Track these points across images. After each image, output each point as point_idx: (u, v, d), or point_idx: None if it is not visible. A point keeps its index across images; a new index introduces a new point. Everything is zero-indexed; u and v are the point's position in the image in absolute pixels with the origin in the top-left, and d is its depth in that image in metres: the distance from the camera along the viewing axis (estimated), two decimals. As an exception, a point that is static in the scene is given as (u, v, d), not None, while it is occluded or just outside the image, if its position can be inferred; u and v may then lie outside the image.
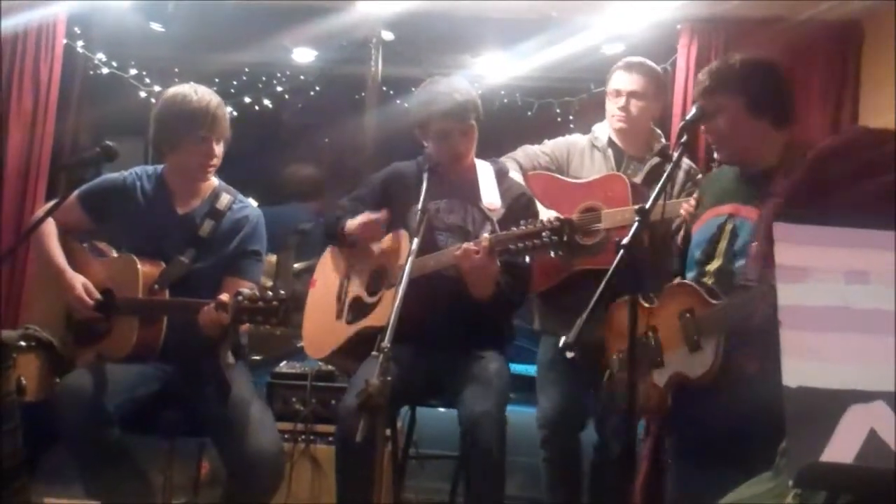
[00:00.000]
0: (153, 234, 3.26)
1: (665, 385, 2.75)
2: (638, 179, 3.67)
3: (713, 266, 2.82)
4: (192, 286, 3.15)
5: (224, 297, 2.97)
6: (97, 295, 3.21)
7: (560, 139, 3.96)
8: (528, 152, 3.85)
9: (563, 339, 3.55)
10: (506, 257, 3.10)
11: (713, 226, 2.86)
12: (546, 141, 3.93)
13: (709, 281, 2.79)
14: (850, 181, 1.32)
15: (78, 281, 3.22)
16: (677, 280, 2.90)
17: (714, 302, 2.68)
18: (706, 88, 2.83)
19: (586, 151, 3.84)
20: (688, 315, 2.70)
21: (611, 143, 3.81)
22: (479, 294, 3.13)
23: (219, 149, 3.25)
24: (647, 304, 2.81)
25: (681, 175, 3.75)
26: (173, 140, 3.25)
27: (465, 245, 3.07)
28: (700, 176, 3.73)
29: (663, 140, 3.86)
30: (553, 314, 3.73)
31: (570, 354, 3.62)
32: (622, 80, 3.76)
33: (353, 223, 3.36)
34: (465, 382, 3.14)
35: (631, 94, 3.74)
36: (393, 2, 4.58)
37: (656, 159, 3.71)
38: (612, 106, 3.79)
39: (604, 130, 3.86)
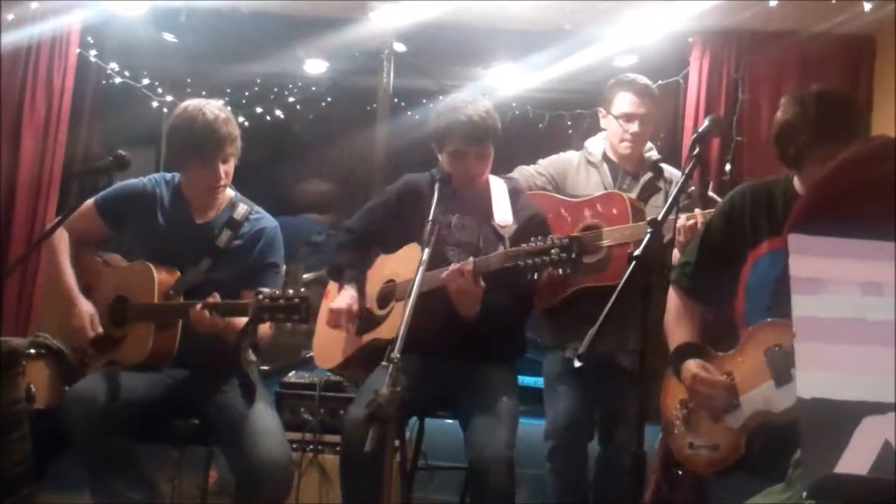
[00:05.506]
0: (170, 242, 3.26)
1: (741, 427, 2.63)
2: (633, 194, 3.64)
3: None
4: (208, 295, 3.14)
5: (213, 297, 2.98)
6: (99, 330, 3.20)
7: (553, 157, 3.89)
8: (523, 173, 3.78)
9: (569, 350, 3.56)
10: (509, 276, 3.06)
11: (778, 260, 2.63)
12: (539, 160, 3.87)
13: None
14: (872, 191, 1.31)
15: (86, 309, 3.21)
16: (765, 320, 2.65)
17: None
18: None
19: (581, 167, 3.80)
20: (776, 349, 2.56)
21: (605, 158, 3.78)
22: (465, 313, 3.10)
23: (226, 167, 3.21)
24: (719, 353, 2.73)
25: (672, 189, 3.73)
26: (180, 162, 3.26)
27: (452, 267, 3.05)
28: (692, 189, 3.68)
29: (654, 151, 3.84)
30: (559, 330, 3.68)
31: (578, 364, 3.64)
32: (632, 104, 3.69)
33: (337, 304, 3.28)
34: (475, 407, 3.11)
35: (643, 120, 3.69)
36: (405, 13, 4.59)
37: (649, 174, 3.69)
38: (621, 129, 3.71)
39: (597, 146, 3.81)
